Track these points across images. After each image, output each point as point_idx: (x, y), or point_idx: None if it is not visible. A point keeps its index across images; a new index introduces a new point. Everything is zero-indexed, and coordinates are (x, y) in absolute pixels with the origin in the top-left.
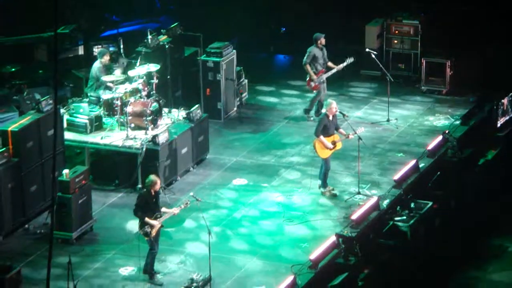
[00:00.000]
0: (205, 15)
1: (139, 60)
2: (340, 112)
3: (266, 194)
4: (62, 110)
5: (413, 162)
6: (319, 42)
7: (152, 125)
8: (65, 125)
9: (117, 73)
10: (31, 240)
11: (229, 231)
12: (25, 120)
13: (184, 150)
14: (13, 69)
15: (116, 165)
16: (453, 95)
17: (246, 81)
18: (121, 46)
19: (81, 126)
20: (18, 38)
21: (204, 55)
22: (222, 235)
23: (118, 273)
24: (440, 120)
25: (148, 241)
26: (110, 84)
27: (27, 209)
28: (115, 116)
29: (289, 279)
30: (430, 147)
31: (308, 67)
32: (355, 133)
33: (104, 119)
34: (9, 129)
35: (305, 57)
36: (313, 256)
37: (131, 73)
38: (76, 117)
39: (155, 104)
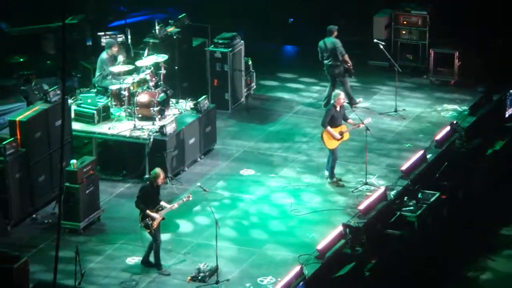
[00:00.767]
0: (212, 5)
1: (146, 51)
2: (348, 103)
3: (273, 184)
4: (70, 101)
5: (420, 152)
6: (336, 33)
7: (159, 116)
8: (72, 115)
9: (120, 59)
10: (39, 230)
11: (236, 222)
12: (33, 111)
13: (191, 141)
14: (21, 60)
15: (123, 155)
16: (461, 85)
17: (254, 71)
18: (129, 37)
19: (88, 117)
20: (26, 29)
21: (212, 45)
22: (229, 225)
23: (126, 262)
24: (448, 111)
25: (149, 233)
26: (119, 74)
27: (35, 199)
28: (123, 107)
29: (296, 269)
30: (438, 137)
31: (347, 57)
32: (363, 123)
33: (111, 110)
34: (17, 119)
35: (339, 50)
36: (320, 246)
37: (138, 63)
38: (84, 107)
39: (162, 95)
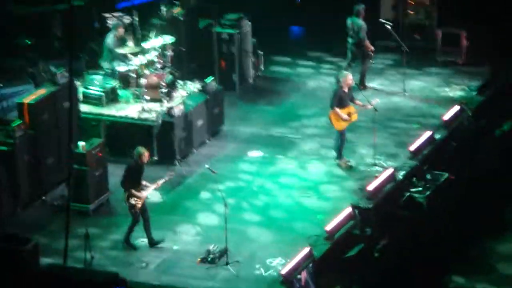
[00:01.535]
0: None
1: (153, 32)
2: (356, 84)
3: (281, 165)
4: (77, 83)
5: (429, 133)
6: (362, 14)
7: (167, 98)
8: (80, 97)
9: (129, 43)
10: (48, 212)
11: (244, 203)
12: (40, 93)
13: (199, 122)
14: (29, 42)
15: (131, 137)
16: (469, 65)
17: (261, 53)
18: (136, 18)
19: (96, 99)
20: (34, 10)
21: (219, 27)
22: (238, 207)
23: (135, 244)
24: (456, 91)
25: (132, 212)
26: (126, 56)
27: (44, 181)
28: (130, 89)
29: (305, 250)
30: (446, 118)
31: (367, 42)
32: (371, 104)
33: (119, 92)
34: (25, 101)
35: (360, 34)
36: (329, 227)
37: (145, 45)
38: (92, 89)
39: (170, 77)
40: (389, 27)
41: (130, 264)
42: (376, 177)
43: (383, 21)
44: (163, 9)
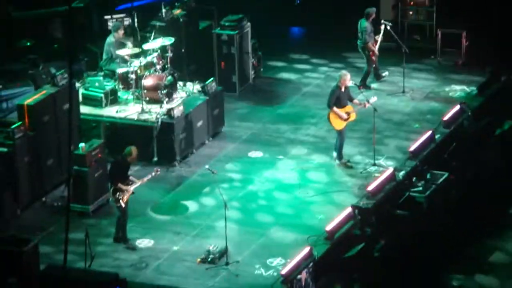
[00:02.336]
0: None
1: (153, 34)
2: (356, 84)
3: (281, 166)
4: (77, 84)
5: (429, 133)
6: (371, 17)
7: (167, 99)
8: (80, 99)
9: (129, 45)
10: (48, 213)
11: (244, 203)
12: (40, 94)
13: (199, 123)
14: (29, 43)
15: (131, 138)
16: (469, 65)
17: (261, 53)
18: (136, 20)
19: (96, 100)
20: (34, 13)
21: (219, 28)
22: (238, 207)
23: (135, 244)
24: (456, 91)
25: (119, 207)
26: (126, 57)
27: (44, 182)
28: (130, 90)
29: (305, 250)
30: (446, 117)
31: (370, 45)
32: (369, 102)
33: (119, 93)
34: (25, 103)
35: (364, 35)
36: (329, 227)
37: (145, 46)
38: (92, 91)
39: (170, 78)
40: (389, 27)
41: (130, 264)
42: (376, 177)
43: (384, 21)
44: (163, 10)
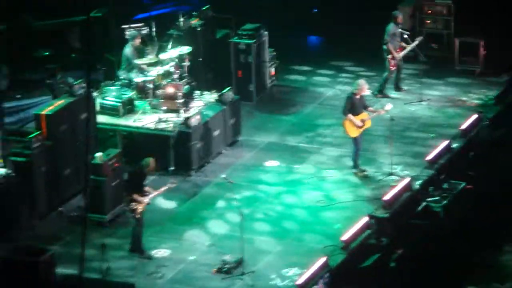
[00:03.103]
0: None
1: (171, 43)
2: (372, 93)
3: (298, 175)
4: (94, 94)
5: (446, 142)
6: (397, 20)
7: (184, 108)
8: (97, 108)
9: (150, 51)
10: (65, 223)
11: (260, 213)
12: (58, 104)
13: (216, 133)
14: (46, 53)
15: (148, 148)
16: (486, 75)
17: (278, 62)
18: (153, 29)
19: (113, 109)
20: (52, 23)
21: (236, 37)
22: (254, 217)
23: (150, 255)
24: (474, 100)
25: (134, 218)
26: (143, 67)
27: (61, 192)
28: (148, 99)
29: (321, 260)
30: (463, 127)
31: (390, 46)
32: (384, 110)
33: (136, 102)
34: (43, 112)
35: (385, 35)
36: (345, 237)
37: (163, 56)
38: (109, 100)
39: (187, 87)
40: (406, 36)
41: (146, 274)
42: (393, 186)
43: (401, 30)
44: (181, 19)
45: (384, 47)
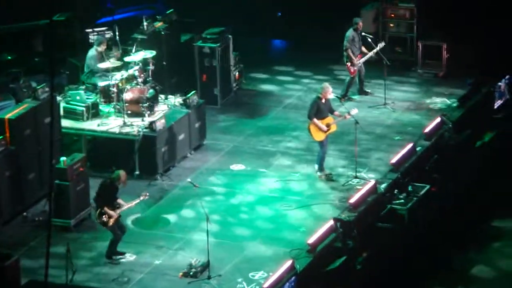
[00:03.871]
0: (200, 1)
1: (134, 47)
2: (337, 96)
3: (264, 179)
4: (58, 98)
5: (410, 145)
6: (358, 26)
7: (148, 112)
8: (62, 112)
9: (115, 55)
10: (30, 228)
11: (226, 217)
12: (21, 108)
13: (181, 136)
14: (9, 57)
15: (113, 152)
16: (449, 78)
17: (242, 66)
18: (117, 33)
19: (78, 114)
20: (15, 26)
21: (200, 41)
22: (220, 221)
23: (117, 259)
24: (437, 103)
25: (110, 230)
26: (107, 71)
27: (25, 197)
28: (112, 103)
29: (288, 263)
30: (427, 130)
31: (350, 52)
32: (349, 114)
33: (100, 106)
34: (6, 117)
35: (345, 42)
36: (311, 240)
37: (127, 59)
38: (73, 104)
39: (151, 91)
40: (370, 39)
41: (112, 279)
42: (358, 189)
43: (365, 34)
44: (145, 23)
45: (344, 53)
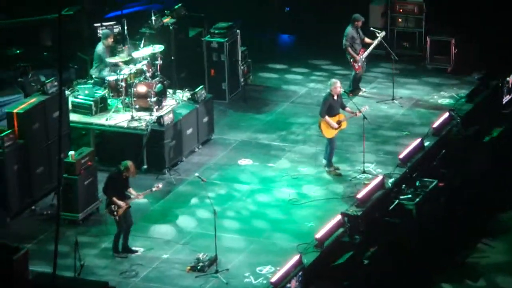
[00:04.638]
0: None
1: (143, 42)
2: (345, 91)
3: (271, 173)
4: (67, 92)
5: (418, 140)
6: (356, 23)
7: (157, 106)
8: (70, 107)
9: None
10: (38, 221)
11: (234, 211)
12: (30, 102)
13: (189, 131)
14: (18, 51)
15: (121, 146)
16: (458, 73)
17: (250, 61)
18: (125, 28)
19: (86, 108)
20: (23, 20)
21: (208, 36)
22: (228, 215)
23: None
24: (445, 98)
25: (114, 220)
26: (116, 65)
27: (34, 190)
28: (120, 98)
29: (295, 258)
30: (435, 125)
31: (350, 50)
32: (360, 111)
33: (109, 101)
34: (15, 111)
35: (344, 40)
36: (319, 235)
37: (135, 54)
38: (81, 98)
39: (159, 85)
40: (378, 34)
41: (120, 272)
42: (366, 184)
43: (373, 28)
44: (153, 18)
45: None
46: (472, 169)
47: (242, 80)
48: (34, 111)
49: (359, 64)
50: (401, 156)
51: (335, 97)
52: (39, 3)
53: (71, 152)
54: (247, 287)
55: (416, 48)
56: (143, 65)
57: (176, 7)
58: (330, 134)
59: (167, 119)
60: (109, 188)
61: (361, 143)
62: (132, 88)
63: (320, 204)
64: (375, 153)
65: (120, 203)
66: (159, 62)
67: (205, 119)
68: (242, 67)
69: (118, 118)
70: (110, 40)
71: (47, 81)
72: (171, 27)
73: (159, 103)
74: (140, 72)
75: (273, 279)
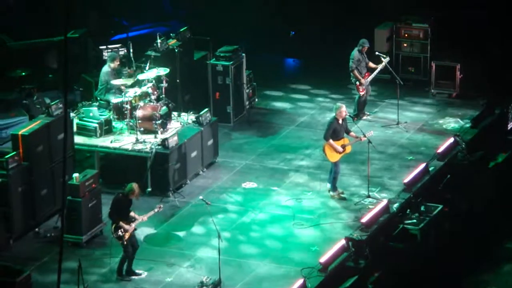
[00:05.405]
0: (214, 19)
1: (148, 64)
2: (349, 115)
3: (275, 197)
4: (72, 114)
5: (423, 165)
6: (363, 48)
7: (161, 129)
8: (75, 129)
9: (128, 71)
10: (41, 243)
11: (238, 235)
12: (35, 124)
13: (193, 154)
14: (23, 73)
15: (125, 168)
16: (463, 98)
17: (255, 84)
18: (131, 50)
19: (91, 130)
20: (29, 43)
21: (213, 59)
22: (232, 238)
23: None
24: (450, 123)
25: (121, 244)
26: (121, 87)
27: (38, 212)
28: (125, 120)
29: (299, 282)
30: (440, 150)
31: (356, 72)
32: (365, 136)
33: (113, 123)
34: (20, 133)
35: (350, 63)
36: (323, 259)
37: (140, 77)
38: (86, 121)
39: (164, 108)
40: (383, 59)
41: None
42: (370, 209)
43: (378, 53)
44: (158, 41)
45: (351, 73)
46: (477, 194)
47: (247, 103)
48: (39, 133)
49: (364, 87)
50: (406, 180)
51: (340, 121)
52: (45, 26)
53: (76, 174)
54: None
55: (421, 73)
56: (148, 87)
57: (181, 30)
58: (334, 158)
59: (172, 141)
60: (115, 212)
61: (366, 168)
62: (137, 111)
63: (325, 228)
64: (380, 177)
65: (127, 226)
66: (164, 84)
67: (210, 142)
68: (247, 91)
69: (123, 140)
70: (117, 62)
71: (52, 103)
72: (176, 50)
73: (164, 125)
74: (145, 95)
75: None
